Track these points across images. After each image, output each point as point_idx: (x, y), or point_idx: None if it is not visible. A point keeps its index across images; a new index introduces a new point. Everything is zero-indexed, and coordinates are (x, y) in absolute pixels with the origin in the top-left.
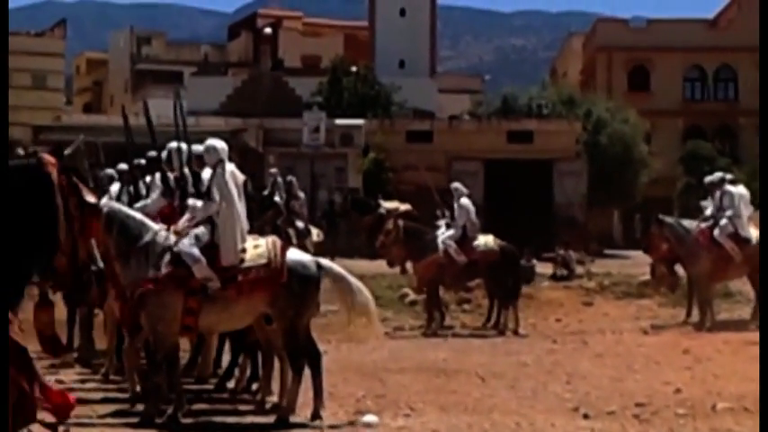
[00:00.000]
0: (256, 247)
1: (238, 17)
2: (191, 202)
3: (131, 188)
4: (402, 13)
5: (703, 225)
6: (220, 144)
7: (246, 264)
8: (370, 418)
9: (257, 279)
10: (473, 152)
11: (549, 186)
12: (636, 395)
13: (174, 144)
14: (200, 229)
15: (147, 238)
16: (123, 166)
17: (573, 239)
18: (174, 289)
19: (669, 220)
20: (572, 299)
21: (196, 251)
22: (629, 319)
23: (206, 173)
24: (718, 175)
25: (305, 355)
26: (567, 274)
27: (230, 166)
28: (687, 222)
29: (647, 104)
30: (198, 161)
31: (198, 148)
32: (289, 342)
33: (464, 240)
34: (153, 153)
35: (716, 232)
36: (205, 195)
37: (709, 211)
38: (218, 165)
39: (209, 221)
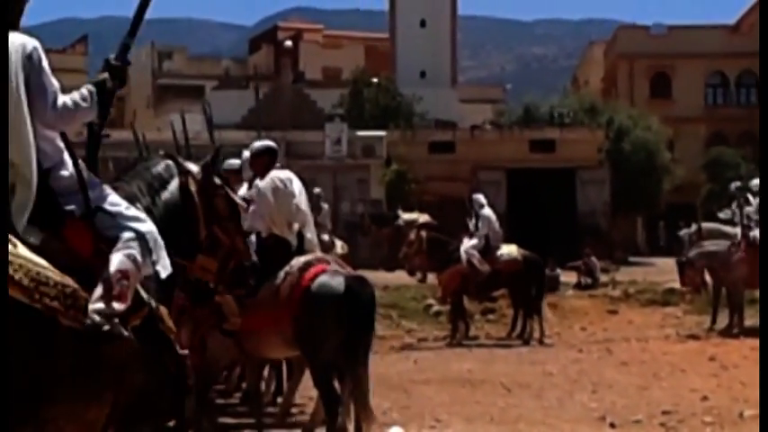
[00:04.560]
0: None
1: (259, 30)
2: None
3: None
4: (422, 23)
5: (740, 230)
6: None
7: None
8: (396, 430)
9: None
10: (496, 162)
11: (572, 195)
12: (662, 403)
13: (235, 161)
14: None
15: None
16: None
17: (597, 248)
18: None
19: (709, 226)
20: (597, 307)
21: None
22: (654, 326)
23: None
24: (756, 181)
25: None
26: (591, 282)
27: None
28: (728, 228)
29: (670, 111)
30: (235, 176)
31: (233, 162)
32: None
33: (487, 250)
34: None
35: (754, 233)
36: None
37: (751, 210)
38: (254, 178)
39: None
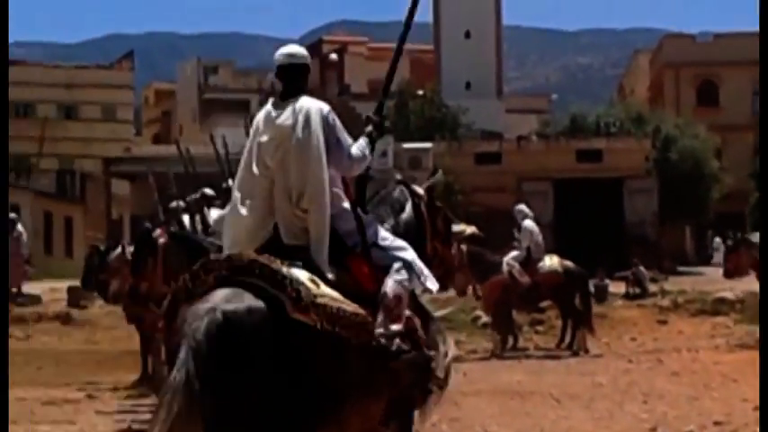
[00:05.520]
0: None
1: (304, 43)
2: None
3: (200, 217)
4: (467, 35)
5: None
6: None
7: None
8: None
9: None
10: (542, 172)
11: (620, 205)
12: (714, 413)
13: None
14: None
15: None
16: (194, 196)
17: (645, 257)
18: None
19: (755, 239)
20: (646, 317)
21: None
22: (704, 336)
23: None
24: None
25: None
26: (640, 292)
27: None
28: None
29: (717, 119)
30: None
31: None
32: None
33: (528, 262)
34: (226, 184)
35: None
36: None
37: None
38: None
39: None
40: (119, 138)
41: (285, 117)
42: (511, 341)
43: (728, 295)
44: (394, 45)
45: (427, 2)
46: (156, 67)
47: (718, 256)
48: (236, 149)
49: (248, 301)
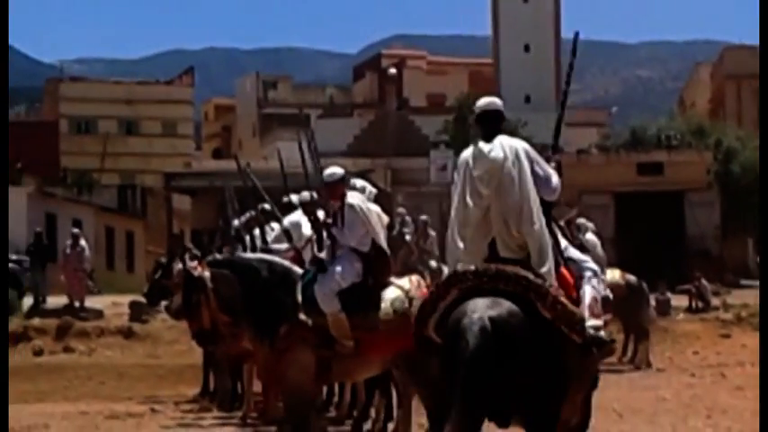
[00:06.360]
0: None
1: (362, 58)
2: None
3: (259, 232)
4: (526, 48)
5: None
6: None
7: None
8: None
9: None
10: (602, 185)
11: (681, 218)
12: None
13: (306, 194)
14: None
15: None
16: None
17: (707, 270)
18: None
19: None
20: (709, 331)
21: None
22: None
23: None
24: None
25: None
26: (702, 306)
27: (375, 207)
28: None
29: None
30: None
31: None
32: None
33: None
34: (286, 199)
35: None
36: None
37: None
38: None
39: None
40: (179, 153)
41: (496, 153)
42: None
43: None
44: (452, 59)
45: (486, 16)
46: (215, 82)
47: None
48: (294, 163)
49: (506, 305)
